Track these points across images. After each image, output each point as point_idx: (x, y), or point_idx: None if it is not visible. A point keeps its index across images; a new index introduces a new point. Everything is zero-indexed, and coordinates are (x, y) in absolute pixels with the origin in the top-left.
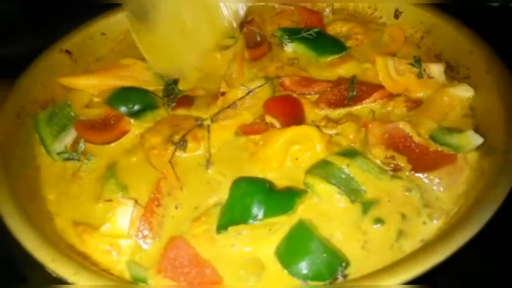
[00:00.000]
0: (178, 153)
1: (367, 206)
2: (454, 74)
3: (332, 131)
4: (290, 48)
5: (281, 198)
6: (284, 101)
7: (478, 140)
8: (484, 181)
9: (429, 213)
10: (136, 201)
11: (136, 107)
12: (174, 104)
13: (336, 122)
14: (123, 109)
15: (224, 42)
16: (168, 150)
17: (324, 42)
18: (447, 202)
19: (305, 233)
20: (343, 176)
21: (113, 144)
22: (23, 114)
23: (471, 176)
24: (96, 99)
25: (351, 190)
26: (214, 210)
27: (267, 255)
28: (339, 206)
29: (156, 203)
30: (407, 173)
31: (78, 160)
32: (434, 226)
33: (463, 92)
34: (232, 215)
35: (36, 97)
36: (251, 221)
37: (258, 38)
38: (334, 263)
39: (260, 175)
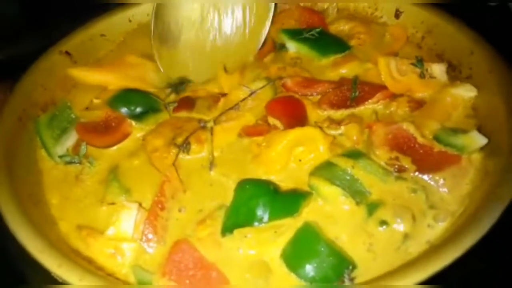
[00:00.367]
0: (181, 156)
1: (372, 208)
2: (456, 74)
3: (335, 132)
4: (293, 48)
5: (286, 200)
6: (286, 102)
7: (482, 140)
8: (488, 181)
9: (435, 214)
10: (140, 204)
11: (138, 109)
12: (175, 105)
13: (338, 123)
14: (124, 111)
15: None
16: (171, 152)
17: (327, 42)
18: (452, 203)
19: (311, 236)
20: (348, 177)
21: (115, 147)
22: (24, 117)
23: (475, 177)
24: (96, 101)
25: (356, 192)
26: (219, 212)
27: (273, 258)
28: (344, 208)
29: (160, 206)
30: (411, 174)
31: (80, 163)
32: (439, 227)
33: (466, 92)
34: (237, 218)
35: (36, 99)
36: (256, 223)
37: None
38: (341, 266)
39: (263, 177)
